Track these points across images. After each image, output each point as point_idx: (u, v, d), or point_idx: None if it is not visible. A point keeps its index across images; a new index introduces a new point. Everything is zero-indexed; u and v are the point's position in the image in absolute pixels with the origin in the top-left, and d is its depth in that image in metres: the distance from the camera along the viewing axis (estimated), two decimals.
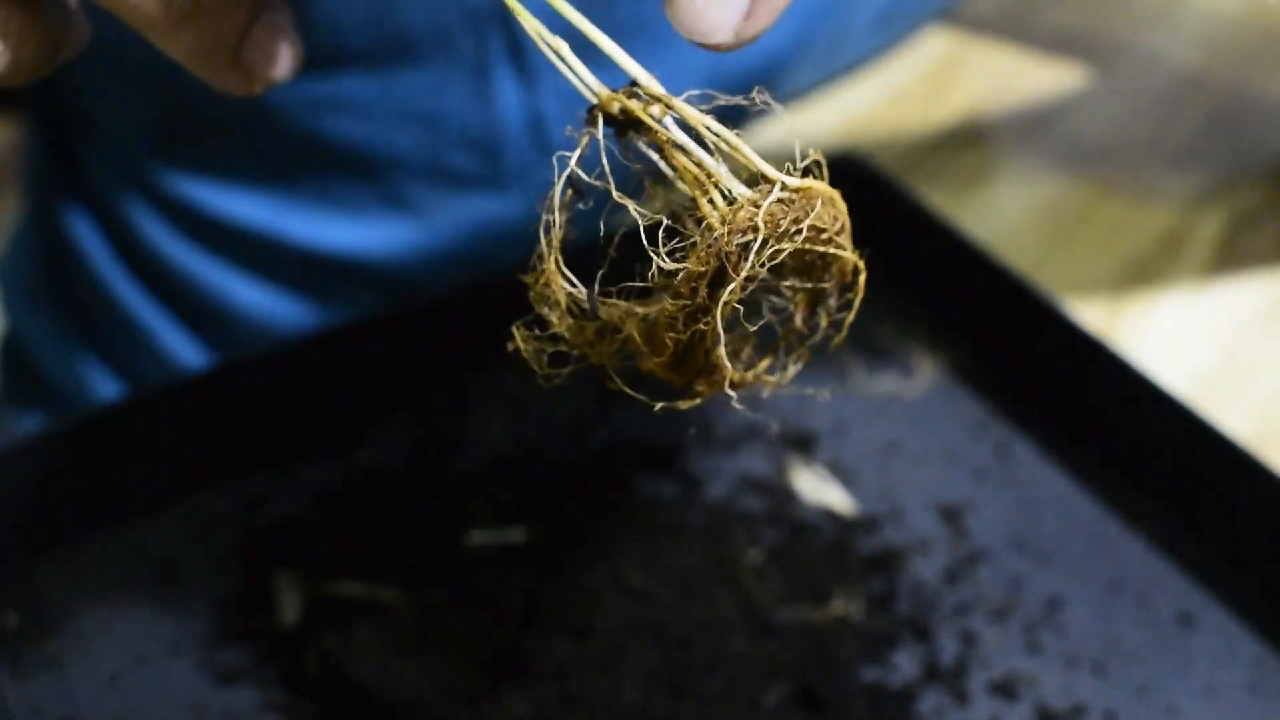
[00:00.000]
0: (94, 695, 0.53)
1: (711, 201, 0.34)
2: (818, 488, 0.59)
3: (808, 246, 0.35)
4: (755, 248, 0.34)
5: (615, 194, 0.35)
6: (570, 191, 0.36)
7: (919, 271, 0.66)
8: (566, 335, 0.36)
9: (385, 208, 0.72)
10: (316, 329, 0.63)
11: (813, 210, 0.35)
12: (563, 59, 0.36)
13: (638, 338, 0.35)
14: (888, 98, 0.79)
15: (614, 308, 0.35)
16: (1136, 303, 0.67)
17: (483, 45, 0.67)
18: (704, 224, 0.34)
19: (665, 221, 0.35)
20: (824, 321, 0.39)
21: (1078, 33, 0.83)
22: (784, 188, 0.35)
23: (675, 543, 0.56)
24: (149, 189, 0.73)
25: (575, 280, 0.36)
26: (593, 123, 0.36)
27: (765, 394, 0.39)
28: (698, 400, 0.38)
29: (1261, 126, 0.77)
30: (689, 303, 0.34)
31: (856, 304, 0.38)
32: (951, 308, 0.65)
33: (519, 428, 0.62)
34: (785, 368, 0.39)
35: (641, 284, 0.35)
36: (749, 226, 0.34)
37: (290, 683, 0.53)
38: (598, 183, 0.35)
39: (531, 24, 0.36)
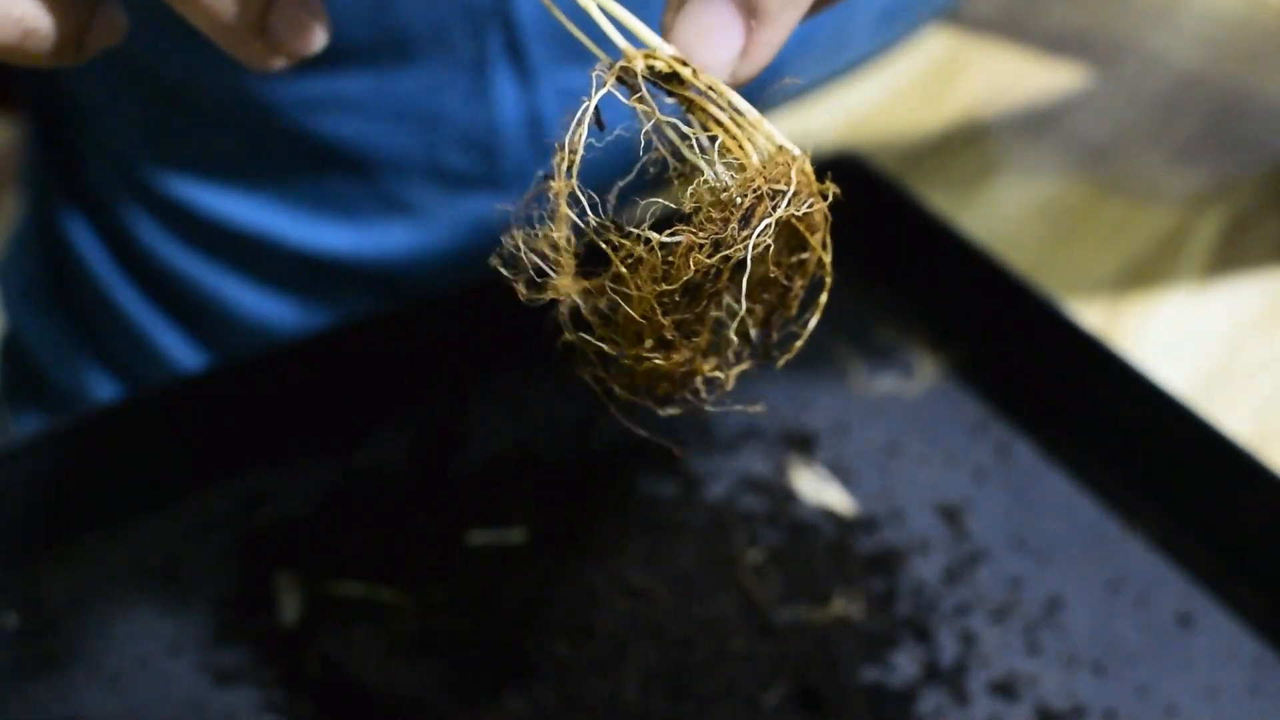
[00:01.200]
0: (94, 695, 0.53)
1: (745, 151, 0.35)
2: (818, 488, 0.59)
3: (819, 221, 0.35)
4: (789, 196, 0.34)
5: (658, 116, 0.35)
6: (586, 127, 0.35)
7: (919, 271, 0.66)
8: (558, 276, 0.36)
9: (382, 208, 0.72)
10: (316, 329, 0.63)
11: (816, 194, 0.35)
12: (603, 8, 0.36)
13: (637, 285, 0.35)
14: (888, 98, 0.79)
15: (629, 241, 0.35)
16: (1136, 303, 0.67)
17: (481, 45, 0.67)
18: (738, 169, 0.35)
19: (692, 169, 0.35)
20: (775, 329, 0.39)
21: (1077, 33, 0.83)
22: (799, 160, 0.35)
23: (675, 543, 0.56)
24: (146, 190, 0.73)
25: (585, 204, 0.35)
26: (628, 73, 0.35)
27: (728, 386, 0.39)
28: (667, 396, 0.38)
29: (1261, 126, 0.77)
30: (719, 231, 0.34)
31: (815, 319, 0.38)
32: (951, 308, 0.65)
33: (519, 428, 0.62)
34: (740, 363, 0.39)
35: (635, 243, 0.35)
36: (784, 176, 0.34)
37: (290, 683, 0.53)
38: (640, 106, 0.35)
39: None
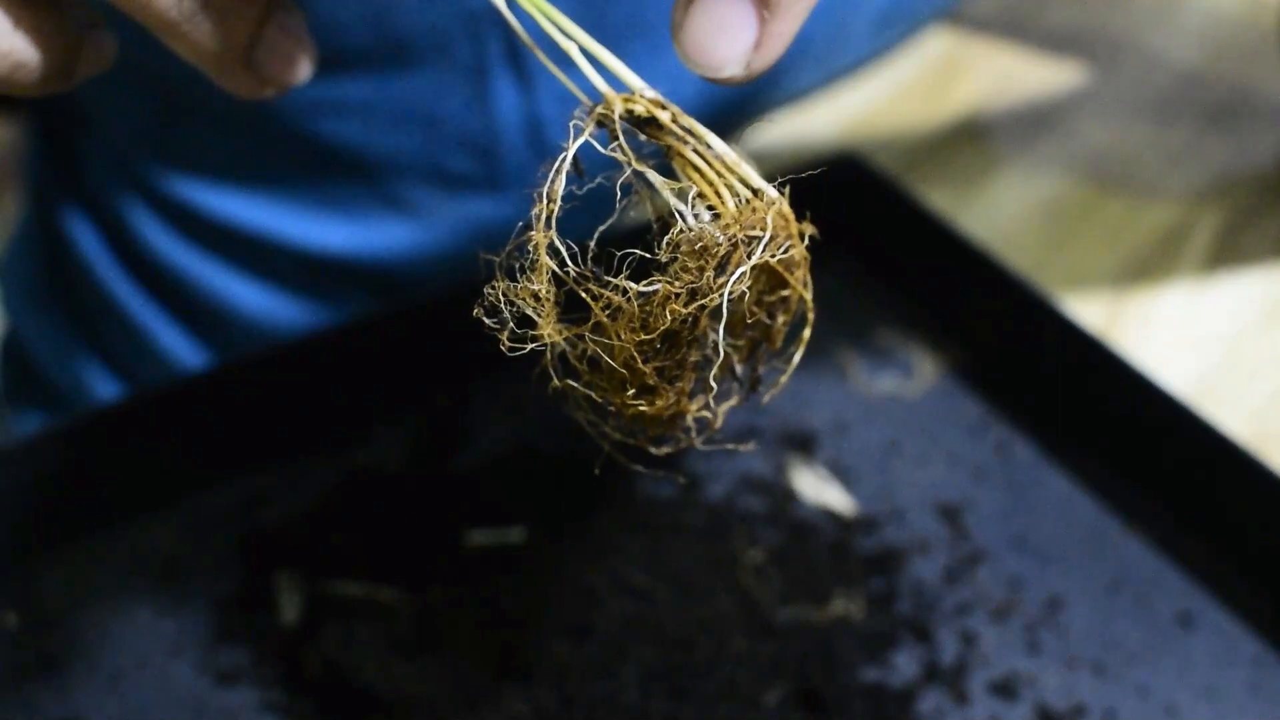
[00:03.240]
0: (94, 695, 0.53)
1: (720, 198, 0.35)
2: (818, 488, 0.59)
3: (799, 260, 0.35)
4: (765, 242, 0.34)
5: (634, 163, 0.35)
6: (565, 176, 0.35)
7: (919, 271, 0.66)
8: (539, 319, 0.36)
9: (383, 209, 0.72)
10: (316, 329, 0.63)
11: (796, 236, 0.35)
12: (587, 54, 0.36)
13: (617, 334, 0.35)
14: (888, 98, 0.79)
15: (608, 291, 0.35)
16: (1136, 302, 0.67)
17: (480, 48, 0.67)
18: (714, 216, 0.35)
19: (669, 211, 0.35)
20: (760, 363, 0.39)
21: (1078, 32, 0.83)
22: (777, 204, 0.35)
23: (675, 543, 0.56)
24: (147, 189, 0.73)
25: (565, 255, 0.35)
26: (607, 118, 0.36)
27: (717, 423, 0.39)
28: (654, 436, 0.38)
29: (1261, 126, 0.77)
30: (695, 280, 0.34)
31: (798, 355, 0.38)
32: (951, 308, 0.65)
33: (519, 428, 0.62)
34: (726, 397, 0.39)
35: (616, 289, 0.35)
36: (760, 222, 0.35)
37: (290, 683, 0.53)
38: (620, 152, 0.35)
39: (556, 18, 0.36)
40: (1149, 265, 0.69)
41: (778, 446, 0.61)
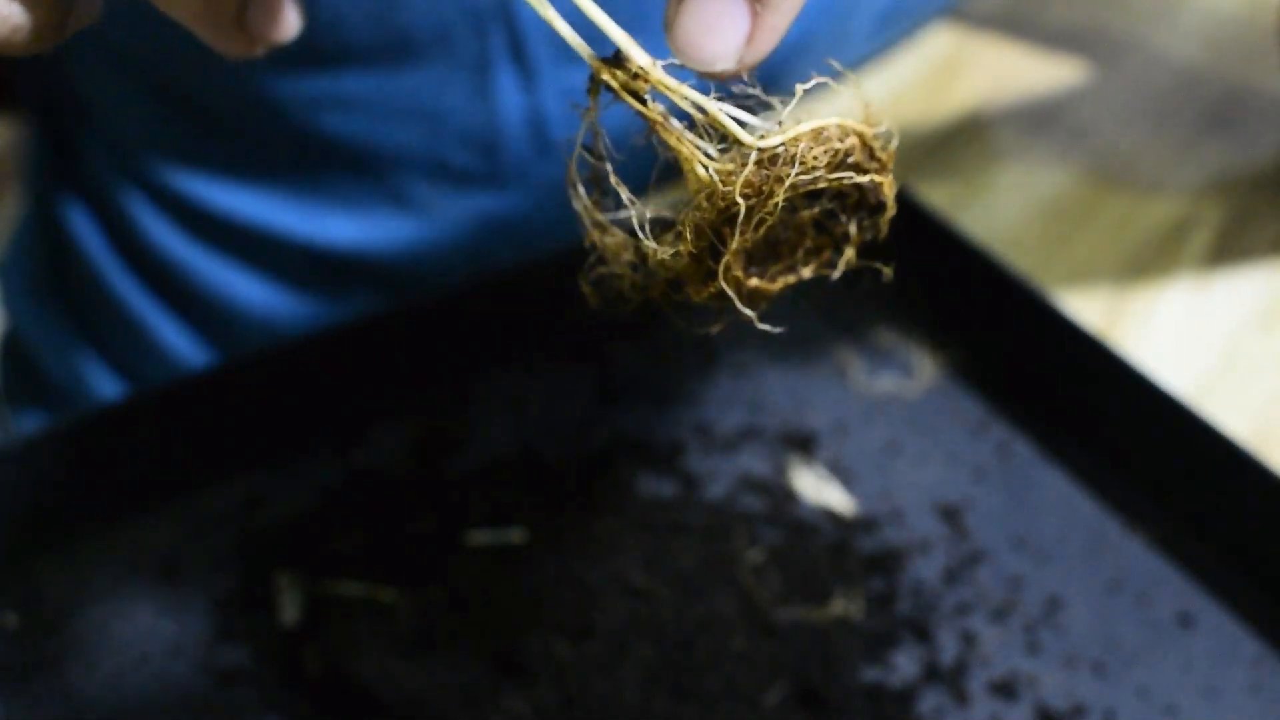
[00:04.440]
0: (94, 695, 0.53)
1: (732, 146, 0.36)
2: (818, 488, 0.59)
3: (834, 178, 0.36)
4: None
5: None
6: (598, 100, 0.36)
7: (919, 271, 0.66)
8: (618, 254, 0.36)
9: (385, 204, 0.72)
10: (317, 328, 0.63)
11: (832, 147, 0.36)
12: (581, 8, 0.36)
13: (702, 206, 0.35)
14: (888, 97, 0.79)
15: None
16: (1137, 302, 0.67)
17: (484, 44, 0.67)
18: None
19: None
20: (850, 244, 0.40)
21: (1078, 30, 0.83)
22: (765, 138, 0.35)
23: (675, 543, 0.56)
24: (148, 184, 0.73)
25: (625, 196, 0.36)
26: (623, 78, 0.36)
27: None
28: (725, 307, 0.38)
29: (1261, 123, 0.77)
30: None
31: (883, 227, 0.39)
32: (951, 308, 0.65)
33: (519, 428, 0.62)
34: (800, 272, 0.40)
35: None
36: (783, 151, 0.35)
37: (290, 683, 0.53)
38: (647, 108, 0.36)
39: None
40: (1149, 264, 0.69)
41: (778, 446, 0.61)
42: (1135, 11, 0.85)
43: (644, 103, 0.36)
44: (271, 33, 0.42)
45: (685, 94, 0.35)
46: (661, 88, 0.35)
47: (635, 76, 0.36)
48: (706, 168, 0.35)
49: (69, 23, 0.40)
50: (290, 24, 0.42)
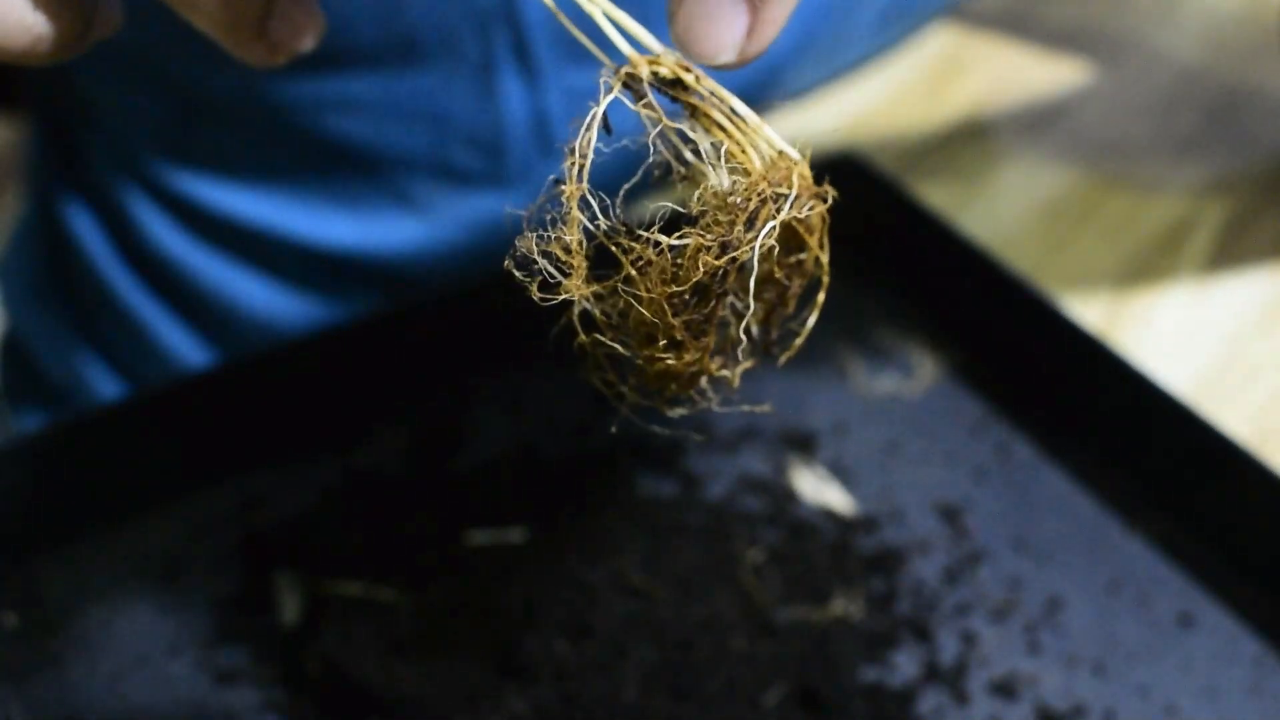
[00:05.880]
0: (94, 695, 0.53)
1: (747, 156, 0.36)
2: (818, 488, 0.59)
3: (816, 223, 0.36)
4: (791, 199, 0.35)
5: (665, 121, 0.36)
6: (594, 131, 0.36)
7: (919, 272, 0.66)
8: (569, 276, 0.36)
9: (389, 205, 0.72)
10: (317, 328, 0.63)
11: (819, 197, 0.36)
12: (607, 14, 0.36)
13: (648, 287, 0.35)
14: (888, 97, 0.79)
15: (639, 244, 0.35)
16: (1137, 302, 0.67)
17: (488, 45, 0.67)
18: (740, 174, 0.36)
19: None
20: (775, 327, 0.40)
21: (1079, 30, 0.83)
22: (799, 164, 0.35)
23: (675, 543, 0.56)
24: (151, 184, 0.73)
25: (596, 209, 0.36)
26: (634, 79, 0.36)
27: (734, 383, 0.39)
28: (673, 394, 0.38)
29: (1262, 123, 0.77)
30: (725, 234, 0.35)
31: (814, 317, 0.39)
32: (951, 308, 0.65)
33: (519, 428, 0.62)
34: (738, 363, 0.39)
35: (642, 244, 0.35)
36: (786, 180, 0.35)
37: (290, 683, 0.53)
38: (651, 112, 0.36)
39: None
40: (1149, 264, 0.69)
41: (778, 446, 0.61)
42: (1135, 11, 0.85)
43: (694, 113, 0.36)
44: (293, 41, 0.42)
45: (729, 100, 0.36)
46: (708, 86, 0.36)
47: (676, 77, 0.36)
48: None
49: (91, 33, 0.40)
50: (312, 32, 0.42)
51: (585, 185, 0.35)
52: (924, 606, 0.55)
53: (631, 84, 0.36)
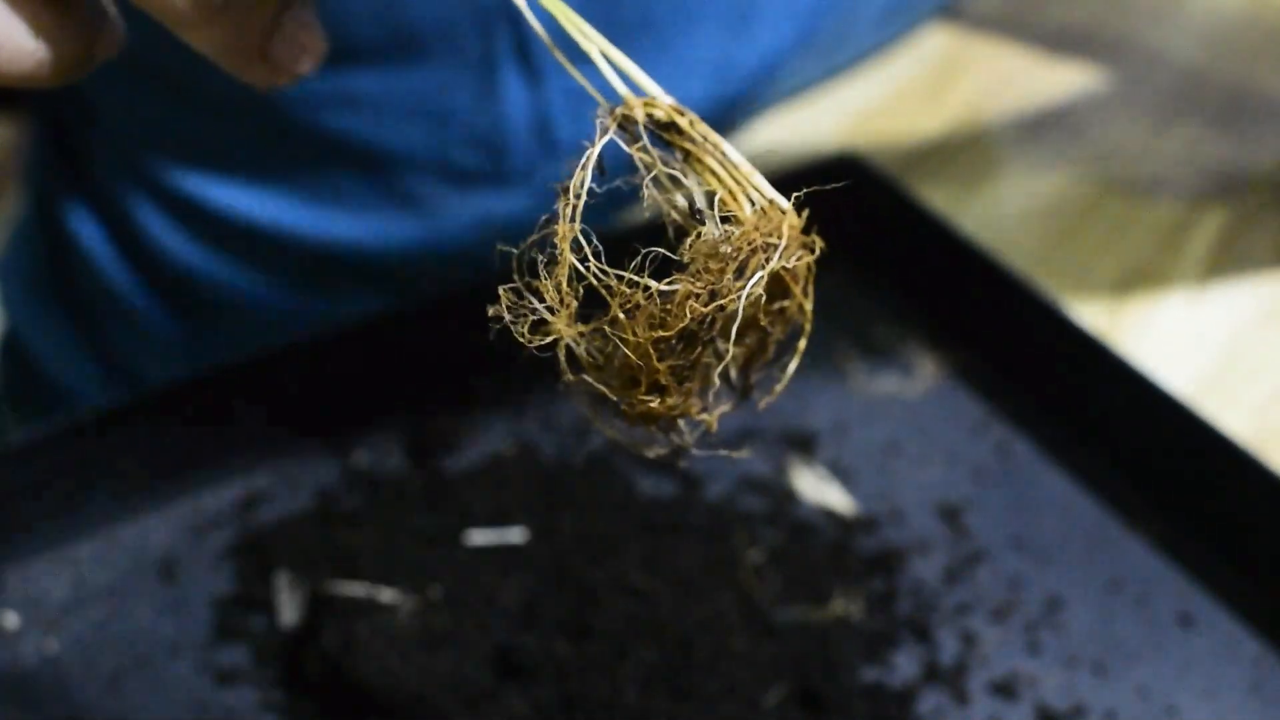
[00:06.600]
0: (94, 695, 0.53)
1: (738, 204, 0.36)
2: (818, 488, 0.59)
3: (802, 272, 0.36)
4: (780, 249, 0.35)
5: (659, 165, 0.36)
6: (589, 172, 0.36)
7: (919, 271, 0.66)
8: (555, 317, 0.36)
9: (391, 204, 0.72)
10: (317, 328, 0.63)
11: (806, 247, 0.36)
12: (607, 57, 0.36)
13: (634, 331, 0.35)
14: (888, 96, 0.79)
15: (629, 289, 0.36)
16: (1137, 303, 0.67)
17: (490, 43, 0.67)
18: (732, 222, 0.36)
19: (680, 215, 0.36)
20: (754, 372, 0.40)
21: (1079, 31, 0.83)
22: (788, 214, 0.36)
23: (675, 543, 0.56)
24: (152, 183, 0.73)
25: (587, 251, 0.36)
26: (630, 121, 0.36)
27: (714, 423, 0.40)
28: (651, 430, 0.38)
29: (1263, 125, 0.77)
30: (714, 282, 0.35)
31: (793, 365, 0.39)
32: (951, 308, 0.65)
33: (519, 428, 0.62)
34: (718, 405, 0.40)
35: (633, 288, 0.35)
36: (776, 230, 0.35)
37: (290, 683, 0.53)
38: (642, 156, 0.36)
39: (576, 21, 0.37)
40: (1150, 265, 0.69)
41: (778, 446, 0.61)
42: (1135, 11, 0.85)
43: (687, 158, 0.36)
44: (295, 64, 0.41)
45: (722, 146, 0.36)
46: (702, 131, 0.36)
47: (671, 121, 0.36)
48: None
49: (95, 55, 0.40)
50: (315, 56, 0.42)
51: (577, 226, 0.36)
52: (924, 606, 0.55)
53: (626, 125, 0.36)
